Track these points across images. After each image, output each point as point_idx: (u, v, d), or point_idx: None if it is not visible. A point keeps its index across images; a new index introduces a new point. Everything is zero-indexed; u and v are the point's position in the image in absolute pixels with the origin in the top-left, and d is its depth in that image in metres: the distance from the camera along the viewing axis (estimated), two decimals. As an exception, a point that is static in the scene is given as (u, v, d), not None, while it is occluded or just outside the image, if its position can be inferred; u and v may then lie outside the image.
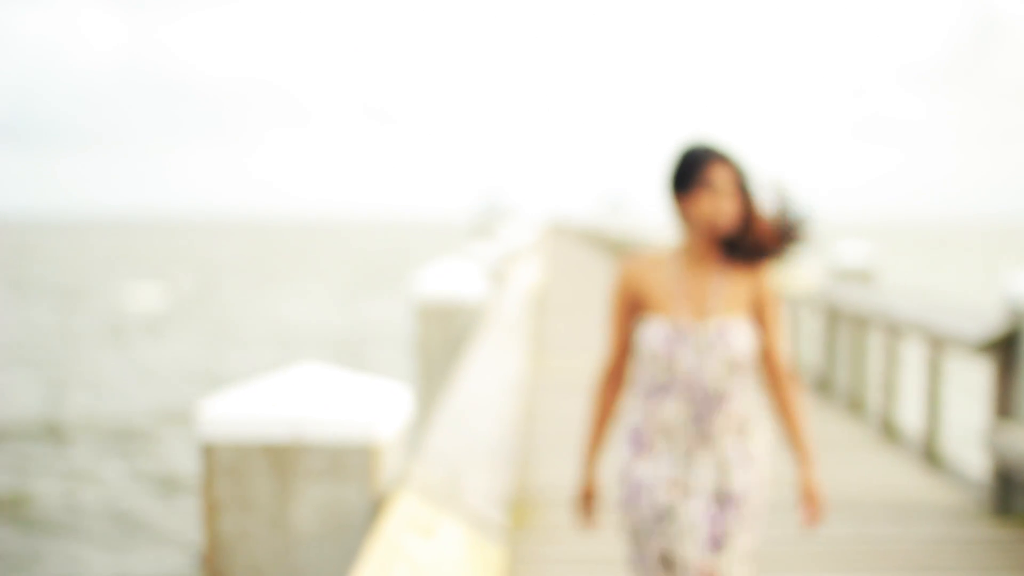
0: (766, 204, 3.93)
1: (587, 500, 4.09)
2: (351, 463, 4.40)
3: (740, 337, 3.87)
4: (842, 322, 11.92)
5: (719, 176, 3.85)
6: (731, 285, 3.91)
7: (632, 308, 3.97)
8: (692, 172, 3.86)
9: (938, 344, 8.62)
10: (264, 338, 34.44)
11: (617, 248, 43.22)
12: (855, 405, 11.03)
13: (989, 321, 7.37)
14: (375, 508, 4.37)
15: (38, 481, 15.87)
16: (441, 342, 11.46)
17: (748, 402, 3.95)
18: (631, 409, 4.01)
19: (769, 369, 4.02)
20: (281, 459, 4.46)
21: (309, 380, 4.64)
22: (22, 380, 25.32)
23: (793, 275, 13.89)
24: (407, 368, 24.45)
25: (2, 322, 38.47)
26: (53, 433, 19.31)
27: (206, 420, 4.45)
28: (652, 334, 3.87)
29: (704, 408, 3.89)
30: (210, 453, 4.48)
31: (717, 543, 3.89)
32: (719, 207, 3.84)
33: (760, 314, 3.96)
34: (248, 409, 4.46)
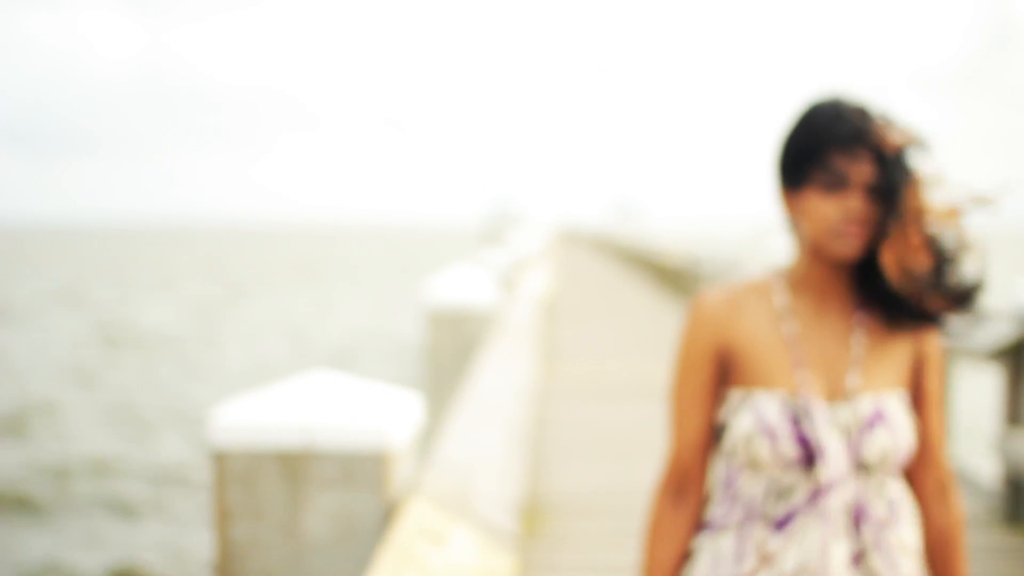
0: (938, 224, 2.63)
1: None
2: (363, 470, 4.41)
3: (903, 426, 2.61)
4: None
5: (847, 164, 2.56)
6: (880, 341, 2.66)
7: (718, 373, 2.67)
8: (804, 153, 2.59)
9: (948, 351, 8.62)
10: (278, 345, 34.45)
11: (627, 255, 43.20)
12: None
13: (1000, 328, 7.37)
14: (387, 515, 4.37)
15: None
16: (451, 349, 11.46)
17: (914, 524, 2.69)
18: (714, 550, 2.67)
19: (927, 475, 2.74)
20: (293, 466, 4.47)
21: (321, 387, 4.65)
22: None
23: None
24: (408, 376, 24.45)
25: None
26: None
27: (217, 427, 4.46)
28: (760, 419, 2.57)
29: (871, 540, 2.60)
30: (221, 460, 4.49)
31: None
32: (843, 217, 2.56)
33: (917, 389, 2.71)
34: (259, 416, 4.47)
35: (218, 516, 4.53)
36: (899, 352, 2.68)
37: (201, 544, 13.15)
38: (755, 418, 2.57)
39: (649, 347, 15.10)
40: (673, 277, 27.70)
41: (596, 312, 21.01)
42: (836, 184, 2.57)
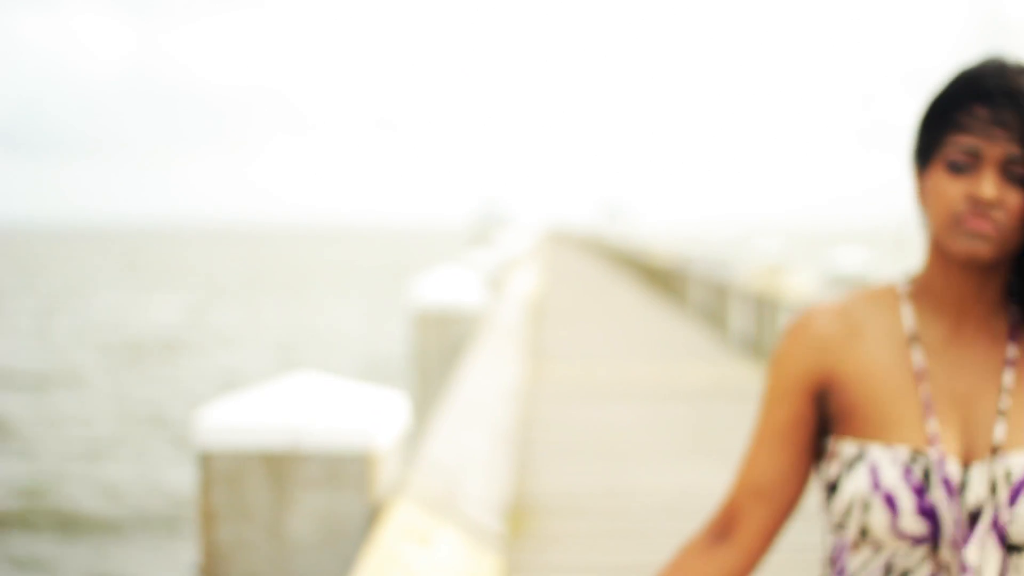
0: None
1: None
2: (348, 471, 4.40)
3: None
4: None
5: (986, 135, 2.00)
6: None
7: (813, 412, 2.13)
8: (937, 117, 2.06)
9: None
10: (264, 348, 34.43)
11: (615, 256, 43.25)
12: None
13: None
14: (372, 516, 4.37)
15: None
16: (438, 350, 11.47)
17: None
18: None
19: None
20: (278, 467, 4.47)
21: (306, 388, 4.65)
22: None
23: (787, 281, 13.92)
24: (395, 377, 24.47)
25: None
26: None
27: (203, 428, 4.46)
28: (876, 483, 2.01)
29: None
30: (207, 461, 4.49)
31: None
32: (968, 201, 2.01)
33: None
34: (245, 417, 4.47)
35: (203, 517, 4.53)
36: None
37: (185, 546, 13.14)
38: (870, 481, 2.00)
39: (638, 348, 15.12)
40: (661, 277, 27.76)
41: (584, 313, 21.01)
42: (966, 157, 2.01)
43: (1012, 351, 2.08)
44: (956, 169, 2.02)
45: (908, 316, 2.10)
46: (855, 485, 2.02)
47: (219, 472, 4.49)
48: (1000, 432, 2.03)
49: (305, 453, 4.43)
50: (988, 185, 1.99)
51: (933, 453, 2.01)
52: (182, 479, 16.01)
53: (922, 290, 2.12)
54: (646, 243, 35.82)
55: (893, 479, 2.00)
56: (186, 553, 12.84)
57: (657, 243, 34.04)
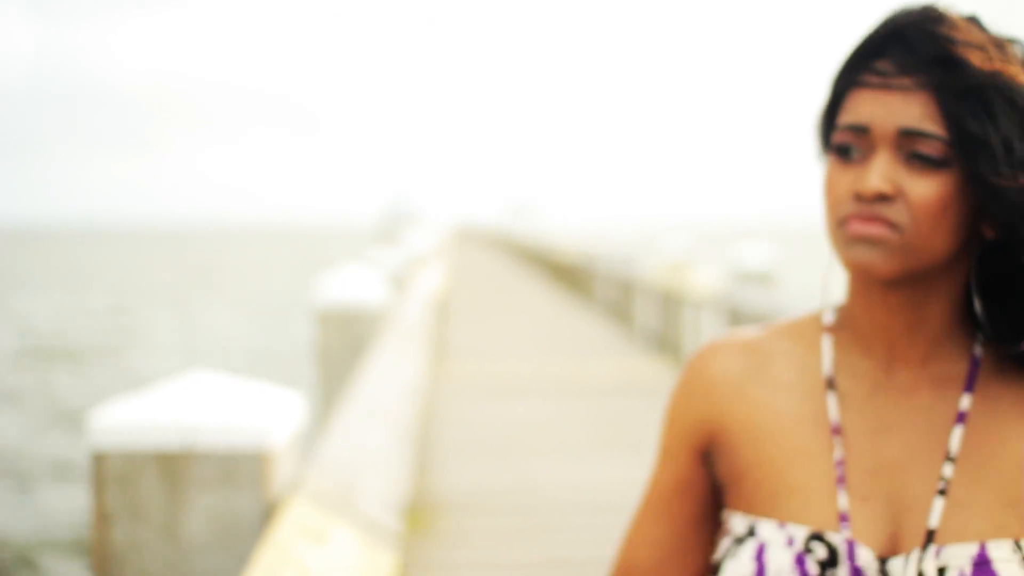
0: None
1: None
2: (243, 470, 4.36)
3: None
4: (744, 324, 12.04)
5: (877, 105, 1.52)
6: (1001, 444, 1.54)
7: (703, 475, 1.68)
8: (833, 96, 1.59)
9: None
10: (166, 350, 34.10)
11: (523, 253, 43.37)
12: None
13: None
14: (268, 515, 4.34)
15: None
16: (341, 349, 11.42)
17: None
18: None
19: None
20: (172, 467, 4.41)
21: (201, 387, 4.60)
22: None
23: (693, 277, 14.02)
24: (299, 376, 24.34)
25: None
26: None
27: (96, 428, 4.40)
28: (758, 571, 1.56)
29: None
30: (100, 462, 4.42)
31: None
32: (852, 198, 1.54)
33: None
34: (139, 416, 4.41)
35: (96, 518, 4.46)
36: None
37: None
38: (754, 568, 1.55)
39: (544, 345, 15.15)
40: (569, 274, 27.88)
41: (491, 310, 21.02)
42: (853, 136, 1.54)
43: (966, 402, 1.56)
44: (844, 154, 1.55)
45: (828, 355, 1.61)
46: (736, 571, 1.57)
47: (112, 472, 4.42)
48: (936, 513, 1.52)
49: (199, 452, 4.38)
50: (872, 174, 1.50)
51: (837, 538, 1.52)
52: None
53: (846, 321, 1.63)
54: (553, 240, 35.95)
55: (782, 568, 1.53)
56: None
57: (564, 240, 34.15)
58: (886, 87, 1.52)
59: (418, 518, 6.25)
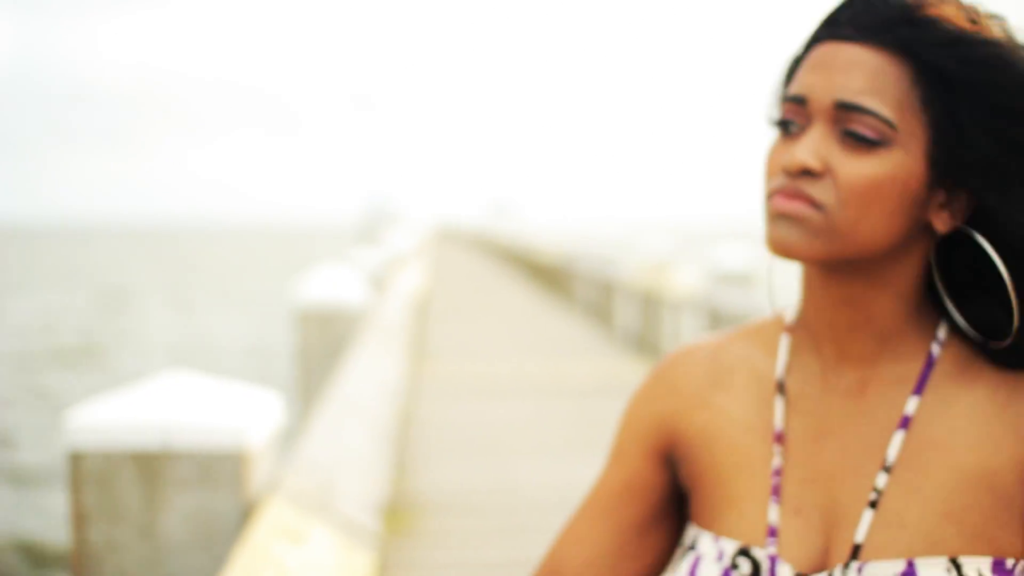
0: None
1: None
2: (221, 470, 4.35)
3: None
4: (724, 325, 12.06)
5: (815, 74, 1.41)
6: (939, 444, 1.41)
7: (662, 481, 1.59)
8: (787, 74, 1.49)
9: None
10: (147, 351, 34.02)
11: (504, 253, 43.37)
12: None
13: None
14: (245, 515, 4.33)
15: None
16: (320, 349, 11.40)
17: None
18: None
19: None
20: (150, 467, 4.40)
21: (179, 387, 4.59)
22: None
23: (673, 278, 14.05)
24: (278, 376, 24.32)
25: None
26: None
27: (73, 428, 4.38)
28: None
29: None
30: (77, 461, 4.41)
31: None
32: (785, 173, 1.42)
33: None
34: (116, 416, 4.40)
35: (74, 518, 4.45)
36: (982, 463, 1.38)
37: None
38: None
39: (525, 345, 15.15)
40: (549, 275, 27.88)
41: (471, 310, 21.01)
42: (793, 109, 1.43)
43: (912, 405, 1.43)
44: (784, 129, 1.45)
45: (782, 356, 1.52)
46: None
47: (89, 472, 4.41)
48: (864, 527, 1.40)
49: (177, 452, 4.37)
50: (801, 147, 1.39)
51: (761, 554, 1.44)
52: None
53: (801, 318, 1.53)
54: (534, 241, 35.96)
55: (713, 569, 1.47)
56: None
57: (545, 241, 34.15)
58: (834, 55, 1.40)
59: (398, 518, 6.25)
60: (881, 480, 1.41)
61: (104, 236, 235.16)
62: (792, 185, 1.40)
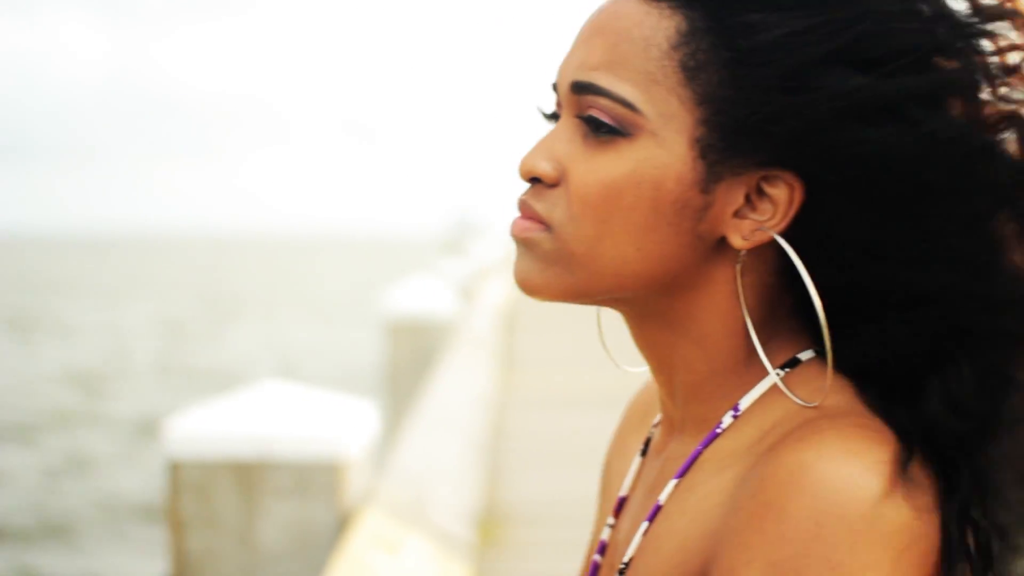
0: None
1: None
2: (317, 480, 4.41)
3: None
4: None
5: (565, 59, 1.07)
6: (690, 499, 1.09)
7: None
8: None
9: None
10: (237, 356, 34.37)
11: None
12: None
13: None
14: (341, 525, 4.38)
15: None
16: (409, 360, 11.47)
17: None
18: None
19: None
20: (248, 476, 4.47)
21: (275, 397, 4.65)
22: None
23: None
24: (367, 386, 24.44)
25: None
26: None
27: (172, 438, 4.46)
28: None
29: None
30: (176, 471, 4.48)
31: None
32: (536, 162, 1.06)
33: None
34: (214, 426, 4.47)
35: (172, 527, 4.52)
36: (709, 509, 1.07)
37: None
38: None
39: (614, 354, 15.09)
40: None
41: (557, 321, 20.97)
42: (554, 100, 1.11)
43: (666, 492, 1.11)
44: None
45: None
46: None
47: (188, 481, 4.48)
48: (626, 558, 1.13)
49: (274, 462, 4.43)
50: (533, 148, 1.07)
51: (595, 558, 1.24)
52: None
53: None
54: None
55: None
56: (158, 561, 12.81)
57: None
58: (594, 18, 1.06)
59: (489, 529, 6.28)
60: (636, 541, 1.11)
61: (186, 246, 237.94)
62: (522, 200, 1.08)
